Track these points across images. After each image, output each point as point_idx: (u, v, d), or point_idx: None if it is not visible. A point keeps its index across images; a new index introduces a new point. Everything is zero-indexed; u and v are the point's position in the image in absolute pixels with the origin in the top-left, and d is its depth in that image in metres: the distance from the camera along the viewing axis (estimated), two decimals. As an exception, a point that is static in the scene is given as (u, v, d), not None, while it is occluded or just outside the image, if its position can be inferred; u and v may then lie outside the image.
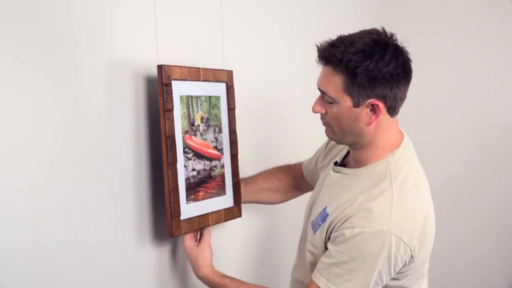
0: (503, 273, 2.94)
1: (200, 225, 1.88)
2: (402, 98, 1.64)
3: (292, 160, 2.20)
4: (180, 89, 1.82)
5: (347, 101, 1.60)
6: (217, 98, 1.97)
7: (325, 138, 1.89)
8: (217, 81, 1.96)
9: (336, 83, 1.60)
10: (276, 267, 2.09)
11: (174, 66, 1.79)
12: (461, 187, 3.01)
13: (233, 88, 2.03)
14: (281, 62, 2.40)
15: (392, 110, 1.64)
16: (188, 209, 1.85)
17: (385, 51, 1.57)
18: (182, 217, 1.81)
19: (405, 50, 1.63)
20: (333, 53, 1.58)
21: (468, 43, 2.95)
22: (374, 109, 1.61)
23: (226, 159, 2.02)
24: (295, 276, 1.92)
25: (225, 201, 2.01)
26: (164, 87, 1.75)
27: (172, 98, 1.78)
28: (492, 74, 2.91)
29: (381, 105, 1.60)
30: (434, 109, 3.07)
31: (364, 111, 1.61)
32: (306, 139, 2.31)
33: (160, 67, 1.75)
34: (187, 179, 1.84)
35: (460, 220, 3.01)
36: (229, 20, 2.08)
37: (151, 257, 1.84)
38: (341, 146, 1.89)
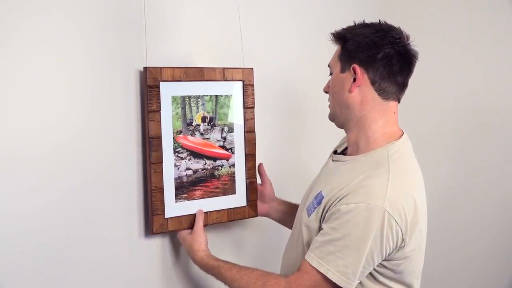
0: (501, 274, 2.70)
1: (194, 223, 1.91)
2: (389, 78, 1.67)
3: (308, 159, 2.09)
4: (172, 90, 1.84)
5: (338, 67, 1.71)
6: (228, 97, 1.94)
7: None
8: (227, 79, 1.93)
9: (336, 53, 1.74)
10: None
11: (164, 67, 1.82)
12: (456, 187, 2.79)
13: (252, 87, 1.98)
14: (300, 60, 2.29)
15: (378, 86, 1.67)
16: (178, 208, 1.89)
17: (380, 27, 1.68)
18: (168, 215, 1.87)
19: (411, 45, 1.70)
20: (342, 31, 1.73)
21: (466, 43, 2.74)
22: (355, 76, 1.67)
23: (238, 158, 1.99)
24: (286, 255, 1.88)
25: (234, 200, 2.00)
26: (149, 88, 1.79)
27: (158, 99, 1.81)
28: (490, 74, 2.70)
29: (359, 71, 1.66)
30: (430, 108, 2.87)
31: (348, 78, 1.68)
32: (323, 140, 2.14)
33: (145, 69, 1.79)
34: (179, 178, 1.88)
35: (456, 221, 2.80)
36: (247, 19, 2.02)
37: (154, 250, 1.92)
38: (343, 143, 1.88)
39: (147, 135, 1.81)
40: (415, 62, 1.71)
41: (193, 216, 1.91)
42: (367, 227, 1.54)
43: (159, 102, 1.81)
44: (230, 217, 1.99)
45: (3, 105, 1.54)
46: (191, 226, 1.90)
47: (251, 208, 2.03)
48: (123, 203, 1.82)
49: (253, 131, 2.00)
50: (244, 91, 1.97)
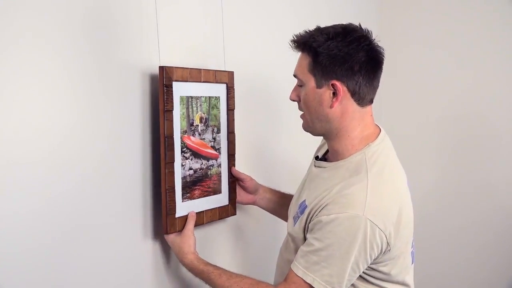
0: (500, 275, 2.96)
1: (195, 222, 1.92)
2: (368, 86, 1.69)
3: (291, 159, 2.22)
4: (180, 90, 1.86)
5: (311, 82, 1.69)
6: (217, 98, 2.01)
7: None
8: (217, 82, 2.00)
9: (304, 64, 1.70)
10: (270, 263, 2.12)
11: (176, 67, 1.83)
12: (453, 187, 3.05)
13: (233, 89, 2.06)
14: (282, 63, 2.40)
15: (358, 97, 1.69)
16: (184, 207, 1.90)
17: (348, 35, 1.65)
18: (177, 215, 1.86)
19: (376, 43, 1.70)
20: (303, 37, 1.70)
21: (466, 43, 2.98)
22: (335, 91, 1.66)
23: (223, 158, 2.06)
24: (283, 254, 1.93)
25: (221, 199, 2.06)
26: (165, 88, 1.79)
27: (172, 99, 1.81)
28: (487, 75, 2.95)
29: (340, 87, 1.66)
30: (425, 108, 3.12)
31: (326, 93, 1.68)
32: (304, 140, 2.33)
33: (161, 69, 1.78)
34: (184, 177, 1.89)
35: (451, 219, 3.05)
36: (231, 21, 2.11)
37: (154, 251, 1.90)
38: (325, 145, 1.92)
39: (163, 135, 1.80)
40: (384, 59, 1.71)
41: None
42: (350, 237, 1.57)
43: (172, 102, 1.82)
44: (220, 216, 2.05)
45: (12, 104, 1.46)
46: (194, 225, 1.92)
47: (232, 207, 2.11)
48: (131, 203, 1.80)
49: (233, 132, 2.09)
50: (227, 93, 2.06)
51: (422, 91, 3.06)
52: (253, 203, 2.15)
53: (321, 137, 1.97)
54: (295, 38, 1.72)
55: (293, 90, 1.78)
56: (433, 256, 3.03)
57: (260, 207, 2.17)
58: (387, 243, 1.62)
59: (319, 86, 1.68)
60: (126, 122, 1.77)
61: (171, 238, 1.86)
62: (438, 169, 3.05)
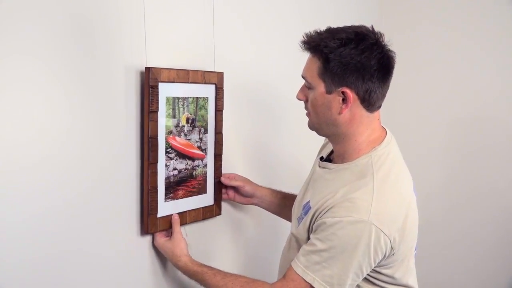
0: (506, 277, 2.95)
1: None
2: (378, 93, 1.67)
3: (289, 159, 2.23)
4: (167, 90, 1.86)
5: (321, 86, 1.66)
6: (205, 99, 2.01)
7: (316, 139, 1.96)
8: (206, 82, 2.00)
9: (313, 68, 1.67)
10: (262, 262, 2.13)
11: (163, 68, 1.83)
12: (455, 188, 3.03)
13: (223, 90, 2.06)
14: (273, 64, 2.42)
15: (367, 104, 1.67)
16: (166, 207, 1.90)
17: (361, 42, 1.62)
18: (159, 215, 1.87)
19: (388, 48, 1.67)
20: (314, 39, 1.66)
21: (467, 44, 2.94)
22: (345, 98, 1.65)
23: (210, 159, 2.06)
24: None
25: (205, 199, 2.07)
26: (150, 89, 1.79)
27: (157, 99, 1.82)
28: (490, 76, 2.90)
29: (351, 94, 1.64)
30: (427, 110, 3.10)
31: (336, 99, 1.66)
32: (296, 139, 2.34)
33: (147, 70, 1.79)
34: (167, 178, 1.90)
35: (456, 221, 3.04)
36: (221, 21, 2.10)
37: (149, 248, 1.92)
38: (328, 144, 1.91)
39: (147, 136, 1.81)
40: (395, 65, 1.69)
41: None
42: (354, 241, 1.56)
43: (158, 103, 1.83)
44: (204, 216, 2.06)
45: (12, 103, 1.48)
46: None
47: (218, 207, 2.12)
48: (123, 203, 1.81)
49: (221, 133, 2.09)
50: (216, 94, 2.06)
51: (425, 91, 3.03)
52: (252, 204, 2.16)
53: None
54: (305, 39, 1.68)
55: (300, 90, 1.76)
56: (437, 258, 3.02)
57: (261, 208, 2.18)
58: (391, 247, 1.61)
59: (328, 91, 1.66)
60: (120, 122, 1.78)
61: (160, 242, 1.88)
62: (444, 170, 3.03)
